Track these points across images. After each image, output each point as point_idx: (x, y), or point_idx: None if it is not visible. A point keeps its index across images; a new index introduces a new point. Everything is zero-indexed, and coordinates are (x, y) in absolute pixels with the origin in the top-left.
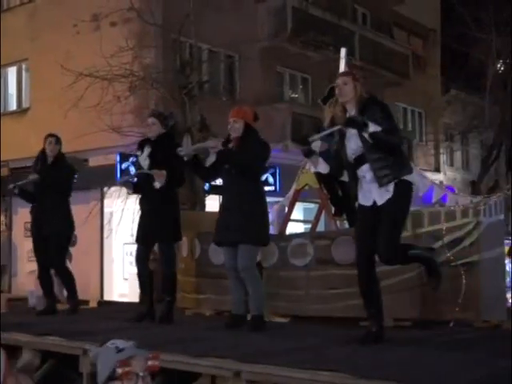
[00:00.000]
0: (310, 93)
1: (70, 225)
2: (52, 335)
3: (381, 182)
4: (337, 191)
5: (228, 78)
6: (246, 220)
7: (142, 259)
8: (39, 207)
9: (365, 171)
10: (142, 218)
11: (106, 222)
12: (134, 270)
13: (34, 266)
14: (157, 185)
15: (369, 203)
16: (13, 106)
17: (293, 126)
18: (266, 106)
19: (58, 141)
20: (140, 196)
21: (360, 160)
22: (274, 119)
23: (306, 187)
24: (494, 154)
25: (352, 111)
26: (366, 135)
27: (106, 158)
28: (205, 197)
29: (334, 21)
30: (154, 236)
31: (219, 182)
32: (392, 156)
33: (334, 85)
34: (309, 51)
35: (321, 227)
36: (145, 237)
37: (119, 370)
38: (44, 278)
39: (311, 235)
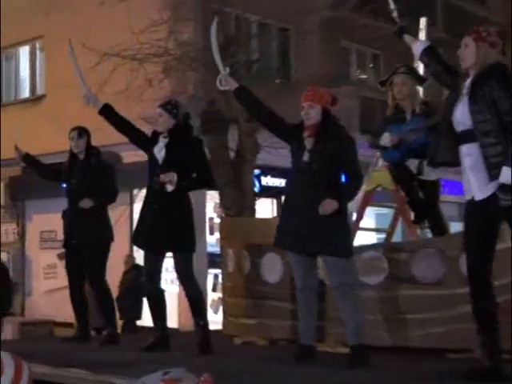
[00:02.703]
0: (383, 72)
1: (108, 236)
2: (75, 367)
3: (493, 173)
4: (417, 193)
5: (282, 57)
6: (330, 228)
7: (152, 279)
8: (72, 212)
9: (465, 153)
10: (146, 217)
11: None
12: (172, 288)
13: (51, 284)
14: (169, 188)
15: (468, 197)
16: (25, 92)
17: (361, 114)
18: (328, 89)
19: (81, 134)
20: (147, 188)
21: (464, 136)
22: (339, 106)
23: (379, 188)
24: None
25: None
26: None
27: (135, 154)
28: (255, 200)
29: None
30: (167, 243)
31: (273, 183)
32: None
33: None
34: (380, 22)
35: (397, 237)
36: (152, 243)
37: None
38: (76, 298)
39: (385, 247)
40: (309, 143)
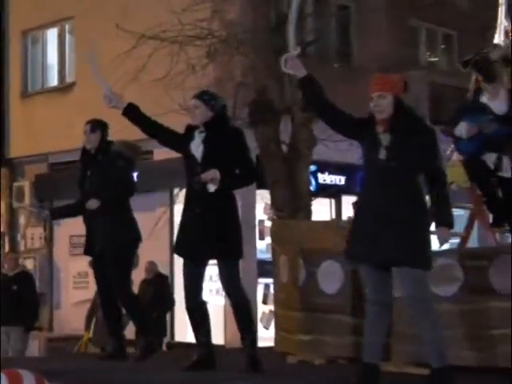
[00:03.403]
0: (456, 55)
1: (131, 236)
2: None
3: None
4: (495, 191)
5: (341, 38)
6: (408, 234)
7: (193, 290)
8: (89, 215)
9: None
10: (187, 222)
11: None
12: (217, 300)
13: (82, 294)
14: (211, 188)
15: None
16: (53, 80)
17: (432, 101)
18: (395, 74)
19: (94, 128)
20: (186, 190)
21: None
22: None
23: (453, 186)
24: None
25: None
26: None
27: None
28: (311, 200)
29: None
30: (210, 250)
31: (331, 180)
32: None
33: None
34: None
35: (473, 242)
36: (193, 250)
37: None
38: (108, 310)
39: (460, 253)
40: (385, 139)
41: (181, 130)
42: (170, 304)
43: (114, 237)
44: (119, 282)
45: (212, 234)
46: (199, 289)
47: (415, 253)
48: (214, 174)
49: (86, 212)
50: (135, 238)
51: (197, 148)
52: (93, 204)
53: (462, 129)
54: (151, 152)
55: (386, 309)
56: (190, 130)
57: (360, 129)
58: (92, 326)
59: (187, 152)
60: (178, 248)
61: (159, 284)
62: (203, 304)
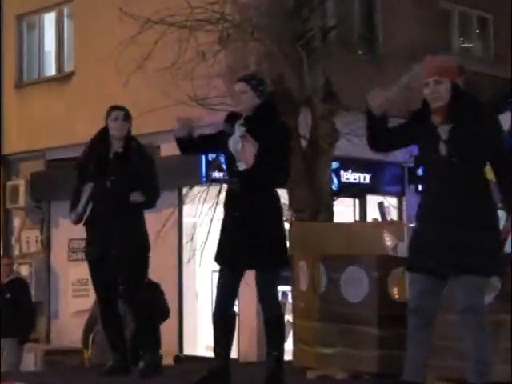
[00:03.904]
0: (492, 41)
1: (148, 239)
2: None
3: None
4: None
5: (365, 22)
6: (477, 236)
7: (226, 298)
8: (110, 215)
9: None
10: (228, 228)
11: (186, 238)
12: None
13: (82, 303)
14: (241, 166)
15: None
16: (51, 70)
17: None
18: (447, 56)
19: (127, 116)
20: (226, 191)
21: None
22: None
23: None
24: None
25: None
26: None
27: None
28: (333, 200)
29: None
30: (250, 260)
31: (354, 178)
32: None
33: None
34: None
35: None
36: (232, 259)
37: None
38: (109, 320)
39: None
40: (443, 132)
41: None
42: (164, 314)
43: (136, 242)
44: (136, 290)
45: (251, 241)
46: (232, 299)
47: (485, 259)
48: (253, 145)
49: (99, 210)
50: (149, 244)
51: (235, 144)
52: (136, 197)
53: (505, 121)
54: (158, 147)
55: (428, 320)
56: (232, 119)
57: (412, 129)
58: (90, 343)
59: (226, 149)
60: (217, 256)
61: (149, 293)
62: (233, 316)
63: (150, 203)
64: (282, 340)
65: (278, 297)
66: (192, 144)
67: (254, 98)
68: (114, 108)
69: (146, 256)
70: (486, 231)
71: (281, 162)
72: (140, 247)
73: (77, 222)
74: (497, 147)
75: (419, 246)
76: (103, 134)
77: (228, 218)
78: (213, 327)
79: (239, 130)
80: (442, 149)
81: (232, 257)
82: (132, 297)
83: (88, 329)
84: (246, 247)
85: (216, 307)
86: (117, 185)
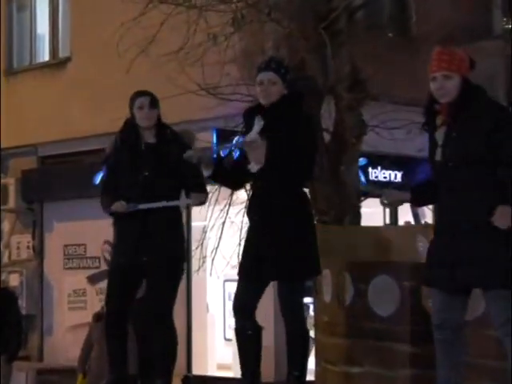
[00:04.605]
0: None
1: (184, 249)
2: None
3: None
4: None
5: (396, 0)
6: (498, 247)
7: (245, 309)
8: (144, 217)
9: None
10: (248, 235)
11: (194, 244)
12: None
13: (78, 317)
14: (253, 168)
15: None
16: (44, 55)
17: (509, 78)
18: (463, 45)
19: (154, 102)
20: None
21: None
22: (478, 67)
23: None
24: None
25: None
26: None
27: (195, 138)
28: (360, 200)
29: None
30: (273, 270)
31: (384, 176)
32: None
33: None
34: None
35: None
36: (254, 270)
37: None
38: (116, 333)
39: None
40: (440, 134)
41: (199, 114)
42: None
43: (173, 250)
44: (165, 309)
45: (272, 248)
46: (253, 307)
47: (505, 271)
48: (259, 147)
49: (136, 212)
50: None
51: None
52: (185, 202)
53: None
54: None
55: (457, 333)
56: (250, 115)
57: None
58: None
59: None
60: (239, 268)
61: None
62: (258, 328)
63: (200, 204)
64: (305, 358)
65: (302, 311)
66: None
67: (283, 89)
68: (137, 94)
69: (180, 268)
70: (501, 239)
71: (302, 159)
72: (176, 258)
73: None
74: (504, 147)
75: (433, 259)
76: (130, 125)
77: (249, 224)
78: (237, 342)
79: (258, 124)
80: (438, 154)
81: (254, 268)
82: (158, 316)
83: (86, 350)
84: (270, 256)
85: (237, 322)
86: (151, 181)
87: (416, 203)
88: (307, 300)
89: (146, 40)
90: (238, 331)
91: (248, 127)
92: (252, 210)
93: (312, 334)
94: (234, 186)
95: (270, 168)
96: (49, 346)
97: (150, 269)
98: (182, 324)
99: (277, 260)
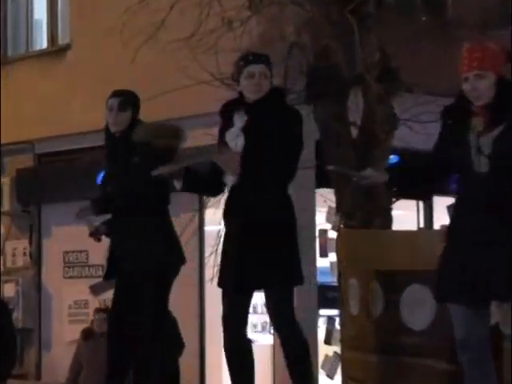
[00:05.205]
0: None
1: (175, 253)
2: None
3: None
4: None
5: None
6: None
7: (234, 325)
8: (121, 221)
9: None
10: (227, 240)
11: (208, 251)
12: (263, 338)
13: (79, 331)
14: (228, 180)
15: None
16: (41, 42)
17: None
18: (500, 31)
19: (124, 104)
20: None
21: None
22: None
23: None
24: None
25: None
26: None
27: (207, 134)
28: (391, 202)
29: None
30: (257, 276)
31: None
32: None
33: None
34: None
35: None
36: (235, 279)
37: None
38: (118, 344)
39: None
40: (486, 142)
41: (212, 107)
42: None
43: (157, 254)
44: (159, 314)
45: (256, 254)
46: (242, 323)
47: None
48: (233, 158)
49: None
50: (182, 257)
51: (233, 138)
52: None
53: None
54: None
55: (479, 353)
56: (230, 110)
57: (452, 140)
58: None
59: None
60: (219, 277)
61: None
62: (248, 344)
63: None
64: (309, 374)
65: (294, 320)
66: None
67: (270, 84)
68: (110, 95)
69: (174, 272)
70: None
71: (286, 159)
72: (163, 261)
73: None
74: None
75: (448, 271)
76: (107, 129)
77: (227, 228)
78: (226, 361)
79: (241, 119)
80: (483, 163)
81: (235, 276)
82: (152, 322)
83: (73, 376)
84: (252, 262)
85: (224, 335)
86: (118, 195)
87: (393, 185)
88: (333, 313)
89: (153, 25)
90: (227, 349)
91: (226, 125)
92: (233, 211)
93: (338, 349)
94: (212, 194)
95: (247, 179)
96: (47, 362)
97: (139, 274)
98: (193, 341)
99: (264, 265)
